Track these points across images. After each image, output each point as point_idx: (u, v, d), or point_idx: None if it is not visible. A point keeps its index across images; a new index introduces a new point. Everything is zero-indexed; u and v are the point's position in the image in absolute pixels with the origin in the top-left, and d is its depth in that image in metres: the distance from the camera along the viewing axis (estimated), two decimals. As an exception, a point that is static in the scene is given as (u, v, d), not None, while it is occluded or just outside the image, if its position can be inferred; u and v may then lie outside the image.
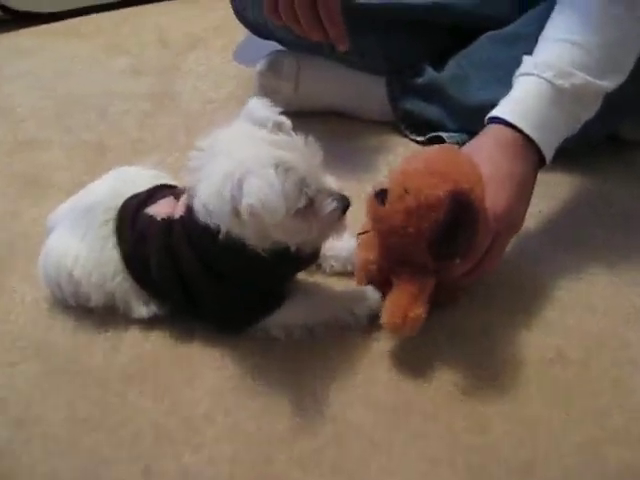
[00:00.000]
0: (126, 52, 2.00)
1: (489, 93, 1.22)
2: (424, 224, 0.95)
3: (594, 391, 0.96)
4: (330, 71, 1.55)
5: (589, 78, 1.03)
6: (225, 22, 1.97)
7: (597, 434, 0.91)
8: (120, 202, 1.07)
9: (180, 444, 0.91)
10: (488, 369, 1.01)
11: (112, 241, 1.05)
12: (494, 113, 1.06)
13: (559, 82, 1.03)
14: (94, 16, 2.22)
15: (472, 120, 1.11)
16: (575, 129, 1.08)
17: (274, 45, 1.56)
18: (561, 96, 1.04)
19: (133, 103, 1.70)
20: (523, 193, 1.02)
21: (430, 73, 1.49)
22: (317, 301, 1.07)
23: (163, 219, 1.03)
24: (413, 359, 1.02)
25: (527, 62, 1.07)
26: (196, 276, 1.00)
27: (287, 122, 0.94)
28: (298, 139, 0.92)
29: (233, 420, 0.94)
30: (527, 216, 1.05)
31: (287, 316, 1.03)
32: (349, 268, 1.14)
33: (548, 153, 1.04)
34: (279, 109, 0.94)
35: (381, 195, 0.99)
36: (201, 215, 0.92)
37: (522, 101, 1.05)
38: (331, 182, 0.94)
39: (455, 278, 1.04)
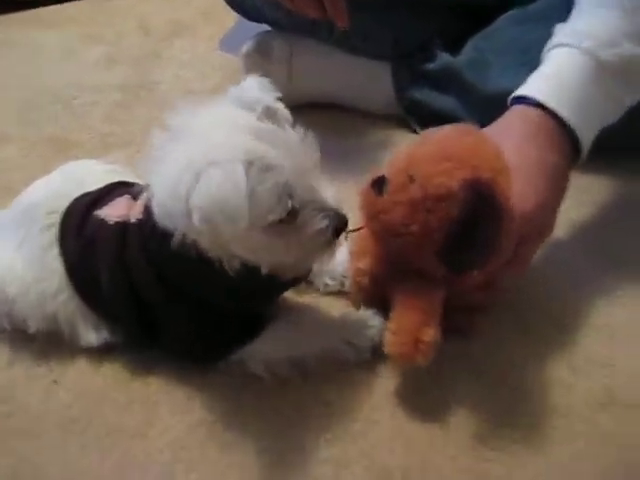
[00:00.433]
0: (102, 41, 1.84)
1: (512, 80, 1.08)
2: (432, 221, 0.78)
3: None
4: (327, 57, 1.41)
5: (639, 50, 0.87)
6: (214, 9, 1.85)
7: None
8: (66, 203, 0.93)
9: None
10: (521, 418, 0.83)
11: (54, 251, 0.90)
12: (520, 92, 0.91)
13: (601, 53, 0.87)
14: (69, 4, 2.10)
15: (492, 111, 0.95)
16: (616, 116, 0.93)
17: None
18: (603, 72, 0.88)
19: (104, 94, 1.58)
20: (555, 189, 0.86)
21: (443, 58, 1.36)
22: (307, 328, 0.91)
23: (116, 223, 0.87)
24: (424, 404, 0.85)
25: (560, 32, 0.93)
26: (155, 296, 0.85)
27: (283, 110, 0.78)
28: (291, 133, 0.77)
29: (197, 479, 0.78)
30: (557, 222, 0.89)
31: (268, 347, 0.87)
32: (346, 288, 0.98)
33: (585, 142, 0.89)
34: (277, 93, 0.79)
35: (379, 184, 0.82)
36: (158, 218, 0.77)
37: (555, 77, 0.90)
38: (327, 192, 0.79)
39: (471, 294, 0.86)
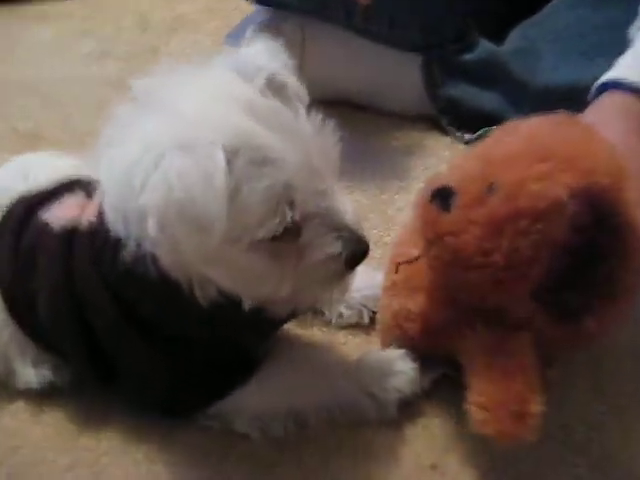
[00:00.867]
0: (96, 36, 1.77)
1: (570, 72, 1.02)
2: (525, 248, 0.59)
3: None
4: (345, 45, 1.24)
5: None
6: (221, 4, 1.77)
7: None
8: (7, 201, 0.77)
9: None
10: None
11: (-15, 262, 0.74)
12: (612, 76, 0.79)
13: None
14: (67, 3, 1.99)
15: (544, 107, 0.78)
16: None
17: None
18: None
19: (90, 89, 1.48)
20: None
21: (485, 47, 1.19)
22: (311, 373, 0.72)
23: (63, 228, 0.71)
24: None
25: None
26: (109, 324, 0.68)
27: (295, 84, 0.63)
28: (303, 118, 0.61)
29: None
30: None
31: (259, 398, 0.70)
32: (366, 319, 0.81)
33: None
34: (289, 60, 0.63)
35: (443, 196, 0.64)
36: (109, 221, 0.60)
37: None
38: (344, 205, 0.62)
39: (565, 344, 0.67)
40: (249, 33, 1.20)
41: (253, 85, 0.60)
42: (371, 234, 0.91)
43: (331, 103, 1.20)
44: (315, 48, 1.24)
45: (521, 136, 0.64)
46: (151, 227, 0.53)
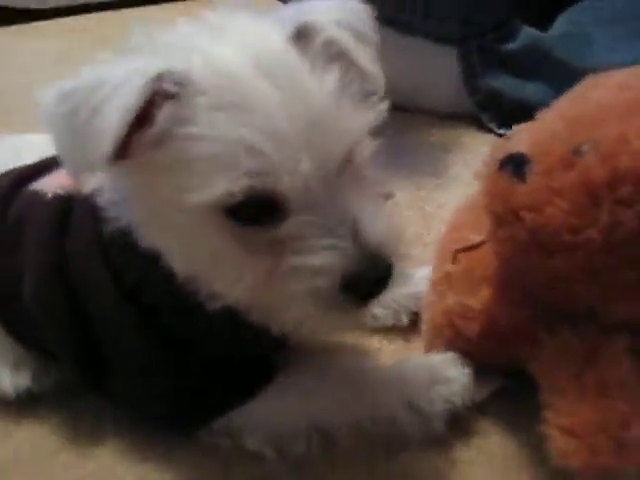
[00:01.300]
0: (113, 47, 1.62)
1: (625, 53, 0.95)
2: (629, 221, 0.47)
3: None
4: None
5: None
6: None
7: None
8: None
9: None
10: None
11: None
12: None
13: None
14: (92, 14, 2.03)
15: None
16: None
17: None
18: None
19: None
20: None
21: (528, 34, 1.10)
22: (341, 382, 0.59)
23: (57, 196, 0.61)
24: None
25: None
26: (108, 311, 0.57)
27: (341, 37, 0.50)
28: (328, 81, 0.48)
29: None
30: None
31: (275, 411, 0.58)
32: (405, 321, 0.68)
33: None
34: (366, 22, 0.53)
35: (516, 163, 0.52)
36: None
37: None
38: (365, 211, 0.48)
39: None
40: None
41: (278, 31, 0.49)
42: (409, 232, 0.81)
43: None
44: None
45: (611, 88, 0.53)
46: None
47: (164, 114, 0.45)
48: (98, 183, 0.56)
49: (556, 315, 0.54)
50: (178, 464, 0.58)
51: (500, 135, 1.08)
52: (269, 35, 0.49)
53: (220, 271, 0.49)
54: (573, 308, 0.53)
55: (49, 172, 0.64)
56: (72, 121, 0.44)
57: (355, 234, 0.47)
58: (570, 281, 0.50)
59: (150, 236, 0.51)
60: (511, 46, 1.09)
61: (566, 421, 0.49)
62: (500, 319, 0.57)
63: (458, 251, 0.60)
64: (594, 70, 0.96)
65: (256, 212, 0.46)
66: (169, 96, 0.45)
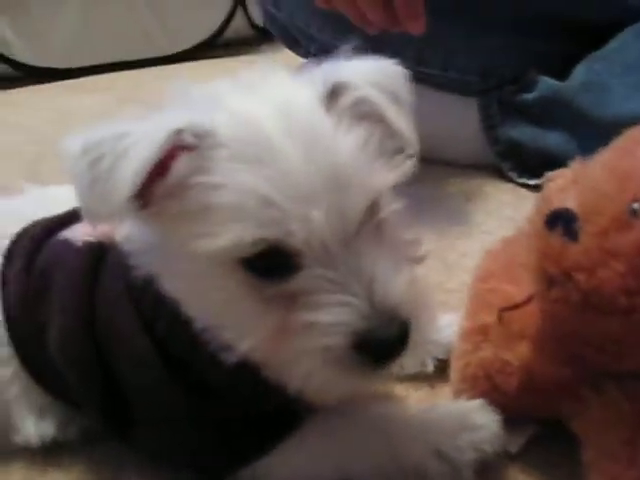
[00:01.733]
0: (139, 102, 1.73)
1: None
2: None
3: None
4: None
5: None
6: None
7: None
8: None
9: None
10: None
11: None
12: None
13: None
14: (108, 75, 2.09)
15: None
16: None
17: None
18: None
19: None
20: None
21: (547, 84, 1.10)
22: (367, 430, 0.57)
23: (88, 244, 0.61)
24: None
25: None
26: (136, 361, 0.56)
27: (378, 99, 0.51)
28: (351, 140, 0.48)
29: None
30: None
31: (302, 460, 0.56)
32: (431, 368, 0.67)
33: None
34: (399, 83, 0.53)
35: (565, 220, 0.50)
36: None
37: None
38: (383, 272, 0.47)
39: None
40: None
41: (309, 89, 0.50)
42: (431, 279, 0.80)
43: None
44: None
45: None
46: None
47: (181, 165, 0.46)
48: (126, 231, 0.56)
49: (601, 374, 0.52)
50: (201, 514, 0.55)
51: (522, 185, 1.08)
52: (297, 92, 0.50)
53: (232, 321, 0.49)
54: (620, 368, 0.51)
55: (78, 221, 0.62)
56: (94, 170, 0.45)
57: (370, 293, 0.46)
58: (623, 344, 0.49)
59: (168, 284, 0.51)
60: (530, 96, 1.10)
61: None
62: (541, 376, 0.55)
63: (503, 310, 0.58)
64: (615, 119, 0.97)
65: (270, 264, 0.46)
66: (188, 148, 0.46)
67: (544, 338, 0.56)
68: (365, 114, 0.51)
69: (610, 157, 0.52)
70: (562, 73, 1.10)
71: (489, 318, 0.59)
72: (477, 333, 0.60)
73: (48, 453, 0.62)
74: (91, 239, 0.61)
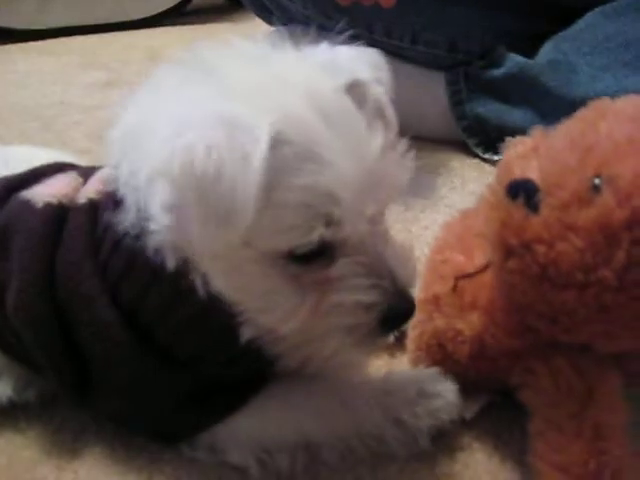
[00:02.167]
0: (104, 68, 1.75)
1: (612, 82, 0.96)
2: None
3: None
4: None
5: None
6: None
7: None
8: None
9: None
10: None
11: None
12: None
13: None
14: (77, 37, 2.04)
15: None
16: None
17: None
18: None
19: (89, 114, 1.42)
20: None
21: (514, 61, 1.10)
22: (327, 396, 0.58)
23: (48, 204, 0.59)
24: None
25: None
26: (99, 328, 0.55)
27: (382, 97, 0.54)
28: (377, 132, 0.51)
29: None
30: None
31: (260, 424, 0.56)
32: (391, 338, 0.66)
33: None
34: (387, 76, 0.55)
35: (527, 191, 0.50)
36: (128, 198, 0.53)
37: None
38: (398, 252, 0.53)
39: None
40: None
41: (331, 81, 0.51)
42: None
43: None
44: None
45: (622, 121, 0.50)
46: (162, 200, 0.46)
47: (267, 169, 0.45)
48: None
49: (552, 347, 0.53)
50: (159, 478, 0.55)
51: (487, 160, 1.09)
52: (326, 84, 0.50)
53: (272, 307, 0.50)
54: (572, 340, 0.52)
55: (40, 181, 0.62)
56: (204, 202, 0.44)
57: (393, 275, 0.51)
58: (576, 316, 0.49)
59: (213, 277, 0.51)
60: (497, 73, 1.10)
61: (559, 458, 0.49)
62: (492, 346, 0.56)
63: (458, 279, 0.59)
64: (581, 99, 0.97)
65: (313, 254, 0.48)
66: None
67: (496, 309, 0.56)
68: (378, 111, 0.53)
69: (573, 129, 0.52)
70: (531, 51, 1.10)
71: (441, 289, 0.60)
72: (430, 303, 0.61)
73: (3, 414, 0.61)
74: (52, 200, 0.59)
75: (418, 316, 0.61)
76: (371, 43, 1.13)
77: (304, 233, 0.47)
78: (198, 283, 0.51)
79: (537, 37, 1.11)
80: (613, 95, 0.72)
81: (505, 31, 1.11)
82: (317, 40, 0.55)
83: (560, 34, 1.09)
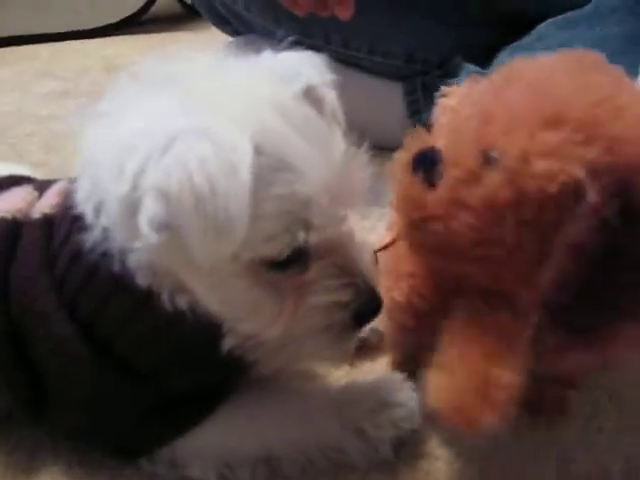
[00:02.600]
0: (59, 77, 1.72)
1: None
2: (530, 243, 0.46)
3: None
4: None
5: None
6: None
7: None
8: None
9: None
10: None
11: None
12: None
13: None
14: (31, 46, 2.01)
15: None
16: None
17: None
18: None
19: (45, 125, 1.40)
20: None
21: (470, 70, 1.11)
22: (287, 408, 0.58)
23: (2, 219, 0.58)
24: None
25: None
26: (56, 342, 0.54)
27: (332, 99, 0.54)
28: (337, 133, 0.52)
29: None
30: None
31: (220, 439, 0.56)
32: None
33: None
34: (332, 76, 0.55)
35: (427, 165, 0.49)
36: (87, 215, 0.51)
37: None
38: (362, 250, 0.54)
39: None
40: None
41: (289, 88, 0.51)
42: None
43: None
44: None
45: (525, 86, 0.47)
46: (153, 219, 0.43)
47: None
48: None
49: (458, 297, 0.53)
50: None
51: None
52: (286, 92, 0.51)
53: (254, 315, 0.50)
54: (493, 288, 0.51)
55: None
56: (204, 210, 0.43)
57: (360, 271, 0.52)
58: (478, 284, 0.50)
59: (198, 292, 0.50)
60: (453, 83, 1.12)
61: (440, 359, 0.49)
62: (420, 307, 0.57)
63: (377, 251, 0.60)
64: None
65: (290, 260, 0.49)
66: None
67: (414, 272, 0.57)
68: (333, 114, 0.54)
69: (484, 91, 0.51)
70: (486, 61, 1.11)
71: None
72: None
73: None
74: (6, 215, 0.58)
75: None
76: (328, 54, 1.14)
77: (288, 239, 0.47)
78: (164, 297, 0.51)
79: (493, 48, 1.13)
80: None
81: (461, 42, 1.13)
82: (272, 49, 0.55)
83: (514, 44, 1.10)
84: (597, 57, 0.50)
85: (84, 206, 0.51)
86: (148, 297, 0.51)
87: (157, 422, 0.55)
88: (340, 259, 0.51)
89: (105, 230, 0.50)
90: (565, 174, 0.43)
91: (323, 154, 0.49)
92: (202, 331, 0.52)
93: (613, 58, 0.76)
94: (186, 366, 0.55)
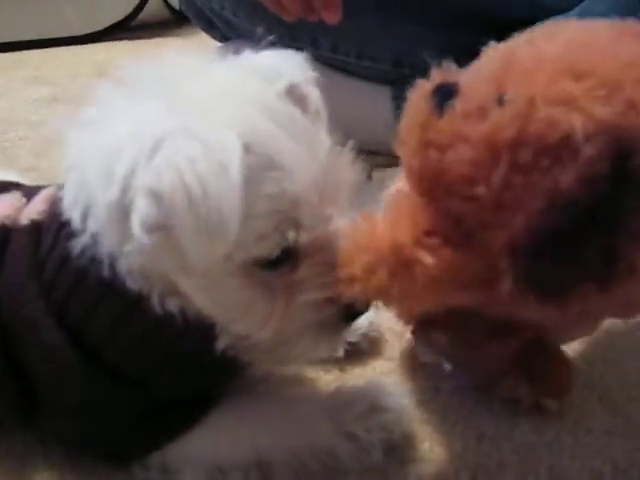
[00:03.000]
0: (49, 83, 1.73)
1: None
2: (519, 187, 0.45)
3: None
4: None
5: None
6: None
7: None
8: None
9: None
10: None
11: None
12: None
13: None
14: (25, 52, 2.02)
15: None
16: None
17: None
18: None
19: (36, 130, 1.40)
20: None
21: None
22: (279, 413, 0.58)
23: None
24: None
25: None
26: (45, 349, 0.54)
27: (315, 96, 0.55)
28: (322, 131, 0.53)
29: None
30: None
31: (212, 445, 0.56)
32: (340, 352, 0.63)
33: None
34: (313, 74, 0.55)
35: (444, 94, 0.49)
36: (75, 220, 0.51)
37: None
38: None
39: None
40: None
41: (272, 88, 0.51)
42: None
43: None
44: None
45: (561, 39, 0.48)
46: (145, 220, 0.43)
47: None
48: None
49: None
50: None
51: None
52: (270, 91, 0.51)
53: (247, 316, 0.51)
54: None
55: None
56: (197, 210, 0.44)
57: None
58: (460, 227, 0.48)
59: (190, 295, 0.51)
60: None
61: None
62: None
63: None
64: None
65: (281, 259, 0.49)
66: None
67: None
68: (317, 112, 0.54)
69: (511, 43, 0.52)
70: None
71: None
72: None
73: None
74: (-7, 222, 0.58)
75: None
76: (317, 58, 1.15)
77: (278, 239, 0.48)
78: (154, 300, 0.51)
79: (479, 52, 1.13)
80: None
81: (449, 46, 1.13)
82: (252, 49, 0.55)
83: (502, 48, 1.12)
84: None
85: (71, 212, 0.51)
86: (138, 301, 0.51)
87: (148, 427, 0.55)
88: (329, 257, 0.51)
89: (93, 235, 0.50)
90: (567, 124, 0.43)
91: (310, 152, 0.50)
92: (193, 334, 0.52)
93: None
94: (176, 370, 0.55)
